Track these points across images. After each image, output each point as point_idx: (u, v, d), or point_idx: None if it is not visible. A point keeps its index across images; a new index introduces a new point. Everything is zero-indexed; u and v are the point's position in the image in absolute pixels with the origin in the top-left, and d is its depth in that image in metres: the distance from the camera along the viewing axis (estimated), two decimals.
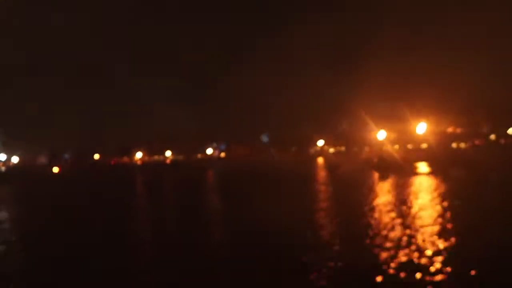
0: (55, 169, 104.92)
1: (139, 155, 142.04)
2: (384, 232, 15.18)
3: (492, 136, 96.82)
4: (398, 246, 13.14)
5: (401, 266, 11.14)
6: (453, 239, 13.74)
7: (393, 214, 18.92)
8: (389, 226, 16.38)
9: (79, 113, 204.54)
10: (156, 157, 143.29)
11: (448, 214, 18.38)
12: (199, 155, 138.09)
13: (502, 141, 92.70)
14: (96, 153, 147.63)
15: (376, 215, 19.14)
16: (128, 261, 13.42)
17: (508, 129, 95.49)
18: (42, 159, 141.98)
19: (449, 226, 15.90)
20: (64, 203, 31.04)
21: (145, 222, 21.80)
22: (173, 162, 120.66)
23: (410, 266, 11.10)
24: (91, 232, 18.81)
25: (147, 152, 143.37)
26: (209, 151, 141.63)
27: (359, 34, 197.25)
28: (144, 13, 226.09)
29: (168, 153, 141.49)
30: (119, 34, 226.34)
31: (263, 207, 23.55)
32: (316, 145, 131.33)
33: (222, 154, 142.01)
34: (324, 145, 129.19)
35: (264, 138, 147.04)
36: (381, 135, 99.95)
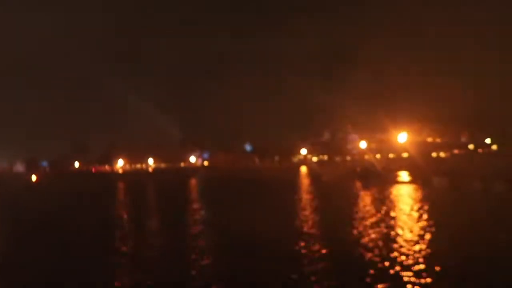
0: (33, 178, 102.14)
1: (120, 163, 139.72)
2: (370, 243, 15.24)
3: (471, 146, 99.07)
4: (384, 256, 13.22)
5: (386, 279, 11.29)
6: (436, 247, 13.94)
7: (377, 224, 19.04)
8: (374, 236, 16.49)
9: (59, 119, 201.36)
10: (138, 165, 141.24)
11: (430, 223, 18.60)
12: (182, 164, 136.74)
13: (480, 150, 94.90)
14: (76, 160, 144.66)
15: (362, 224, 19.20)
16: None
17: (485, 138, 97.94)
18: (19, 167, 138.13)
19: (432, 234, 16.09)
20: (43, 218, 29.66)
21: (126, 235, 21.29)
22: (155, 170, 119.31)
23: (395, 276, 11.28)
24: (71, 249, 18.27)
25: (128, 160, 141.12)
26: (192, 159, 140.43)
27: (343, 46, 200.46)
28: (130, 23, 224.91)
29: (151, 161, 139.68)
30: (103, 44, 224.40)
31: (247, 217, 23.33)
32: (299, 154, 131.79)
33: (206, 163, 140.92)
34: (307, 154, 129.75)
35: (248, 147, 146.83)
36: (363, 144, 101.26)
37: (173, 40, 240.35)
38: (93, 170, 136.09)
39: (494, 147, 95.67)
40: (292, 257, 13.81)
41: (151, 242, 18.03)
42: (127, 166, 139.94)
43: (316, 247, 15.09)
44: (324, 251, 14.43)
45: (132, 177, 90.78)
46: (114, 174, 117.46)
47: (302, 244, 15.50)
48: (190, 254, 15.02)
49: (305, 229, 18.82)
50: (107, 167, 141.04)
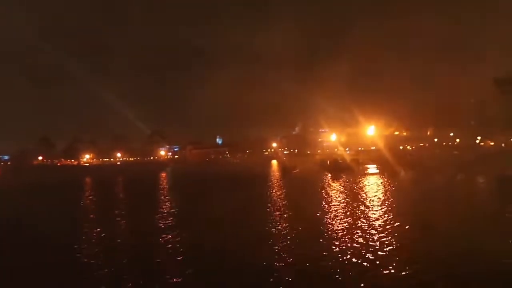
0: None
1: (87, 156, 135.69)
2: (342, 233, 15.35)
3: (436, 139, 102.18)
4: (351, 247, 13.31)
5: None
6: (402, 234, 14.16)
7: (346, 214, 19.32)
8: (346, 225, 16.62)
9: (24, 112, 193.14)
10: (106, 159, 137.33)
11: (396, 211, 19.09)
12: (151, 157, 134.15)
13: (444, 143, 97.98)
14: (41, 154, 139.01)
15: (332, 215, 19.36)
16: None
17: (449, 132, 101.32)
18: None
19: (398, 221, 16.40)
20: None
21: (94, 231, 20.39)
22: (123, 163, 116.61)
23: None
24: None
25: (96, 153, 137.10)
26: (162, 152, 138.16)
27: (315, 43, 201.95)
28: (98, 12, 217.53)
29: (118, 155, 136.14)
30: (70, 34, 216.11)
31: (218, 212, 22.91)
32: (270, 147, 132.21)
33: (176, 156, 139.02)
34: (277, 147, 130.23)
35: (218, 140, 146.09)
36: (333, 137, 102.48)
37: (144, 33, 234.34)
38: (58, 163, 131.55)
39: (457, 140, 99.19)
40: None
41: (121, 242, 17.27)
42: (94, 160, 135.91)
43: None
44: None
45: (96, 171, 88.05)
46: (78, 167, 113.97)
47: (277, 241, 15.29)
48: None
49: (279, 225, 18.65)
50: (73, 160, 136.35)
